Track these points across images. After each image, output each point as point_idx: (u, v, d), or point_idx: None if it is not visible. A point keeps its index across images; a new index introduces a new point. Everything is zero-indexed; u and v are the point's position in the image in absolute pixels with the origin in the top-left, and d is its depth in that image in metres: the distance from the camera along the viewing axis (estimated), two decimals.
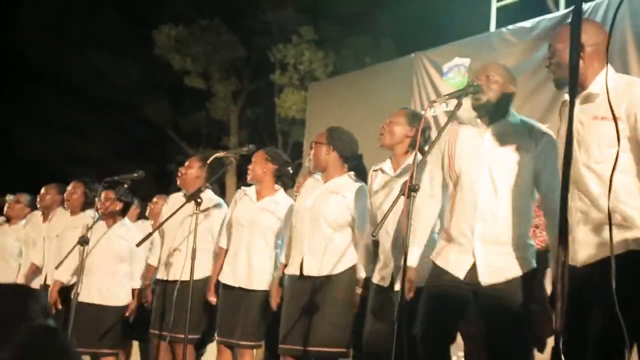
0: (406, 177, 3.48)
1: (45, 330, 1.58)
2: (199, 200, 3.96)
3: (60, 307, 4.91)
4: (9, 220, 6.05)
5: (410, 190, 2.78)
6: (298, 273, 3.85)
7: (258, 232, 4.23)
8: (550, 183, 2.95)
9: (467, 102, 3.17)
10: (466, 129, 3.16)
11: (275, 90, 14.26)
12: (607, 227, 2.35)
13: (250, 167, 4.34)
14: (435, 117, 7.79)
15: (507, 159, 3.01)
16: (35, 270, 5.49)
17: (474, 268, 2.98)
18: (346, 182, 3.92)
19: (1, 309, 1.60)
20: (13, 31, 15.04)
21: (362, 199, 3.85)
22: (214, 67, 14.77)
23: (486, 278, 2.95)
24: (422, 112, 3.75)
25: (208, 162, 4.29)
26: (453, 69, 7.77)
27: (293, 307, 3.84)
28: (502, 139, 3.04)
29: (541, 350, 3.42)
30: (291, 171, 4.47)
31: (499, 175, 3.00)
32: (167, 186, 13.74)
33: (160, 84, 15.34)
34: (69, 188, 5.41)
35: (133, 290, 5.00)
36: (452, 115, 3.06)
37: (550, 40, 2.75)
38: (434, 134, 3.80)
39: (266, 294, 4.17)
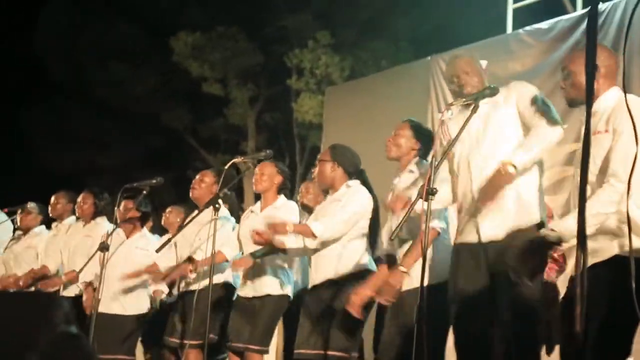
0: (410, 182, 3.63)
1: (69, 337, 1.61)
2: (217, 205, 3.99)
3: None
4: (22, 229, 6.11)
5: (428, 193, 2.80)
6: (310, 285, 4.03)
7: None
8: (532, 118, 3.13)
9: None
10: (452, 117, 3.38)
11: (292, 95, 14.28)
12: (599, 237, 2.64)
13: (258, 177, 4.42)
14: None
15: (494, 130, 3.20)
16: (43, 273, 5.53)
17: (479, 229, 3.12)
18: (344, 191, 4.01)
19: (27, 316, 1.63)
20: (31, 41, 15.20)
21: (356, 200, 3.94)
22: (232, 74, 14.83)
23: (489, 234, 3.09)
24: (430, 127, 3.86)
25: (226, 167, 4.33)
26: None
27: (307, 316, 3.94)
28: (488, 112, 3.21)
29: (549, 351, 3.41)
30: (289, 186, 4.63)
31: (488, 145, 3.20)
32: (187, 193, 13.77)
33: (178, 91, 15.43)
34: (79, 199, 5.49)
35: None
36: (469, 118, 3.09)
37: (565, 62, 2.90)
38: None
39: (276, 299, 4.28)
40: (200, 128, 15.94)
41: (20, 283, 5.55)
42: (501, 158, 3.02)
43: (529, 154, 3.00)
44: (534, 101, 3.11)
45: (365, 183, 4.08)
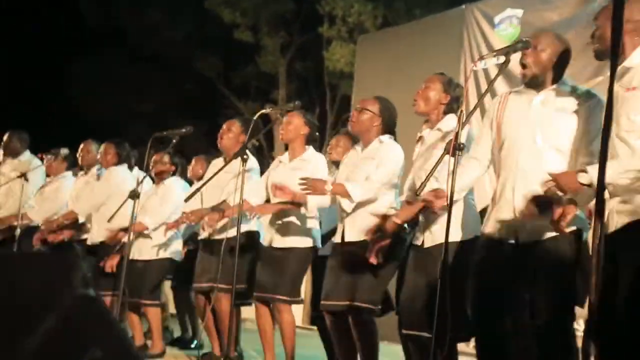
0: (438, 135, 3.54)
1: (86, 298, 1.62)
2: (245, 157, 3.97)
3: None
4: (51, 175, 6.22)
5: (455, 149, 2.74)
6: (340, 240, 3.95)
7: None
8: (595, 148, 2.85)
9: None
10: (515, 96, 3.12)
11: (324, 43, 14.09)
12: (636, 195, 2.52)
13: (285, 126, 4.39)
14: (485, 70, 7.61)
15: (553, 122, 2.96)
16: (73, 219, 5.62)
17: (515, 226, 2.96)
18: (377, 147, 3.95)
19: (47, 278, 1.63)
20: None
21: (392, 159, 3.88)
22: (263, 21, 14.67)
23: (525, 236, 2.93)
24: (461, 81, 3.71)
25: (255, 118, 4.29)
26: (505, 21, 7.55)
27: (335, 269, 3.93)
28: (551, 103, 3.00)
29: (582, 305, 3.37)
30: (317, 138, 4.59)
31: (543, 138, 2.95)
32: (217, 142, 13.83)
33: (210, 38, 15.34)
34: (101, 150, 5.57)
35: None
36: (499, 73, 3.02)
37: (596, 15, 2.80)
38: (483, 87, 3.77)
39: (307, 250, 4.27)
40: (232, 75, 15.88)
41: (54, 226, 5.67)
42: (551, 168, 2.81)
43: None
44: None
45: (395, 139, 4.05)
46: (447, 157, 2.86)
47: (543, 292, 2.89)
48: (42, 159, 6.35)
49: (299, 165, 4.36)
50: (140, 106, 15.82)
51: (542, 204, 2.81)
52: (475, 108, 3.17)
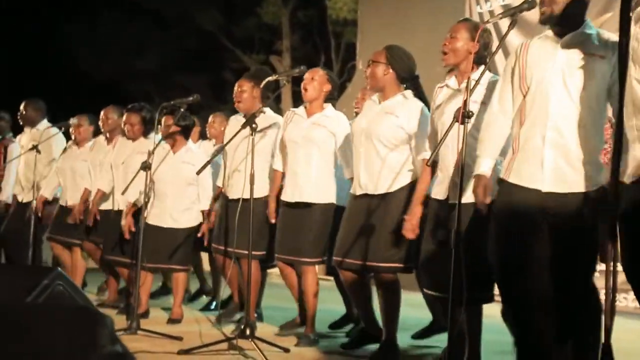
0: (480, 89, 3.33)
1: (115, 356, 1.58)
2: (254, 125, 3.96)
3: (133, 229, 5.10)
4: (77, 143, 6.17)
5: (464, 116, 2.69)
6: (356, 192, 3.90)
7: (313, 147, 4.27)
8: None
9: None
10: (538, 41, 2.96)
11: None
12: None
13: (307, 84, 4.31)
14: (491, 12, 7.52)
15: (582, 66, 2.81)
16: (102, 196, 5.67)
17: (542, 175, 2.84)
18: (400, 102, 3.85)
19: (72, 337, 1.58)
20: None
21: (418, 117, 3.77)
22: None
23: (551, 185, 2.82)
24: (484, 23, 3.50)
25: (261, 86, 4.26)
26: None
27: (351, 224, 3.87)
28: (577, 47, 2.84)
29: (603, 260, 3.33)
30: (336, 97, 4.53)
31: (572, 83, 2.80)
32: (223, 94, 13.82)
33: None
34: (124, 119, 5.47)
35: (202, 212, 5.10)
36: (507, 32, 2.90)
37: None
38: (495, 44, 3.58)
39: (328, 207, 4.25)
40: (234, 28, 15.72)
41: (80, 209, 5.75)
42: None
43: None
44: None
45: (418, 90, 3.93)
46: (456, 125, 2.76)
47: (562, 249, 2.82)
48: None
49: (320, 121, 4.30)
50: (142, 64, 15.71)
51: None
52: (483, 72, 3.07)
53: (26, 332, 1.56)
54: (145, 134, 5.41)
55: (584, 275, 2.88)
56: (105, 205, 5.68)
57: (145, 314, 5.14)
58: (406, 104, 3.83)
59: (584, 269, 2.87)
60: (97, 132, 6.12)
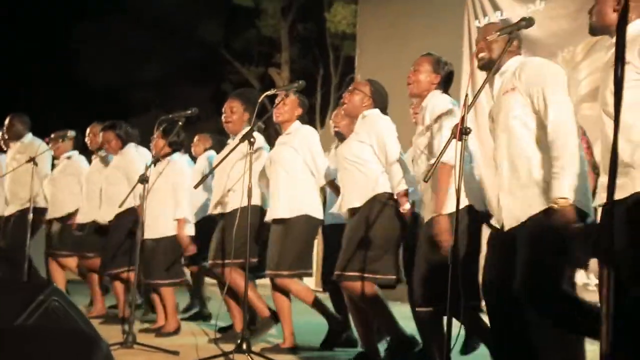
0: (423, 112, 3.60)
1: None
2: (252, 139, 3.97)
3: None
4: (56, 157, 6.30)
5: (462, 133, 2.72)
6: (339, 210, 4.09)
7: (278, 165, 4.38)
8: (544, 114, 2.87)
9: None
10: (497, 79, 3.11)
11: (325, 5, 13.94)
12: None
13: (280, 109, 4.44)
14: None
15: (504, 103, 2.97)
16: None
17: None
18: (360, 122, 4.05)
19: (68, 358, 1.57)
20: None
21: (387, 134, 3.93)
22: None
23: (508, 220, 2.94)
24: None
25: (259, 101, 4.27)
26: None
27: (345, 239, 3.97)
28: (502, 85, 3.03)
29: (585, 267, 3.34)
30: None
31: (499, 121, 2.99)
32: (222, 106, 13.75)
33: (211, 4, 15.20)
34: (100, 137, 5.66)
35: (179, 220, 5.03)
36: (505, 50, 2.94)
37: None
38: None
39: (298, 219, 4.29)
40: (234, 41, 15.76)
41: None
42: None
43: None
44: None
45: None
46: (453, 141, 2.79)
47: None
48: (47, 143, 6.31)
49: (285, 140, 4.42)
50: (144, 73, 15.74)
51: None
52: (482, 87, 3.09)
53: (20, 353, 1.53)
54: (123, 146, 5.58)
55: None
56: (89, 218, 5.75)
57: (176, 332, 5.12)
58: (365, 122, 4.03)
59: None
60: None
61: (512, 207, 2.90)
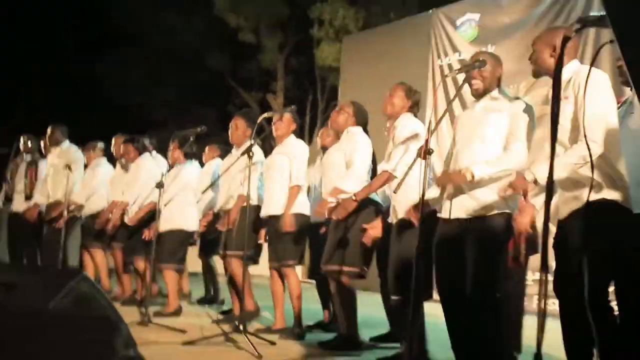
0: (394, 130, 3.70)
1: None
2: (251, 154, 4.00)
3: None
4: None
5: (426, 153, 2.74)
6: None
7: (273, 170, 4.41)
8: (508, 138, 2.94)
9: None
10: (465, 113, 3.15)
11: (315, 43, 13.98)
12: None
13: (277, 125, 4.47)
14: (449, 65, 7.58)
15: (485, 120, 2.98)
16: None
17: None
18: (345, 136, 4.15)
19: (91, 343, 1.49)
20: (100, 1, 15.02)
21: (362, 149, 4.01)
22: (263, 24, 14.52)
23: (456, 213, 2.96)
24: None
25: (258, 121, 4.28)
26: (465, 23, 7.52)
27: (331, 236, 3.98)
28: (486, 107, 3.04)
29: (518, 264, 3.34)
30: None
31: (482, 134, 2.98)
32: (228, 124, 13.72)
33: (219, 39, 15.20)
34: (122, 149, 5.79)
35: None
36: (461, 87, 3.00)
37: (533, 41, 2.78)
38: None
39: (292, 216, 4.27)
40: (238, 70, 15.76)
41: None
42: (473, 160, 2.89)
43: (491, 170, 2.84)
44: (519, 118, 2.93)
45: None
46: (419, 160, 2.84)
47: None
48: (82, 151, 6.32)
49: (281, 150, 4.46)
50: (162, 95, 15.68)
51: None
52: (443, 115, 3.13)
53: (42, 338, 1.46)
54: (139, 156, 5.65)
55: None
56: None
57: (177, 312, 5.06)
58: (348, 136, 4.12)
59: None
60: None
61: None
